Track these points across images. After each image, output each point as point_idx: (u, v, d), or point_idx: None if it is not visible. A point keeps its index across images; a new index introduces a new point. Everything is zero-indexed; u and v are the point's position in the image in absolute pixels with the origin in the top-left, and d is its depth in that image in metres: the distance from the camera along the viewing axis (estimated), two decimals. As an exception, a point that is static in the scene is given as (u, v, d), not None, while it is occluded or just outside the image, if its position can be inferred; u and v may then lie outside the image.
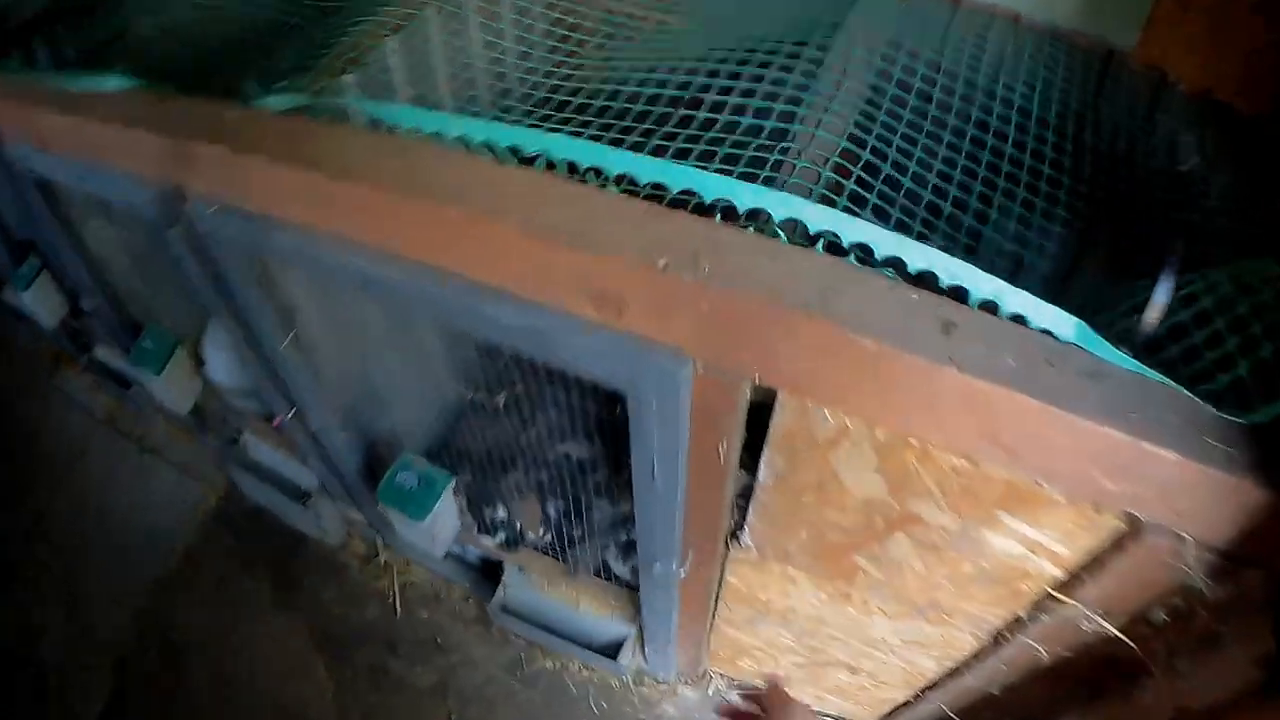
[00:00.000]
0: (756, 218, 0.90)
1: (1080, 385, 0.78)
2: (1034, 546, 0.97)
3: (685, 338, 0.87)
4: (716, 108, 1.18)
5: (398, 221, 0.98)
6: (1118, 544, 0.91)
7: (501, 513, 1.79)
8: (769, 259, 0.83)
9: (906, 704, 1.60)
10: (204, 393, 1.95)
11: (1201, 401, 0.79)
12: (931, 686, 1.45)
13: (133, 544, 2.30)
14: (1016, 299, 0.84)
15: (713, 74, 1.24)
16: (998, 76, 1.35)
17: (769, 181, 0.97)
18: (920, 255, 0.84)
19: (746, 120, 1.11)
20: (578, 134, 1.05)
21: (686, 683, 1.97)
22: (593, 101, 1.19)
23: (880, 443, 0.89)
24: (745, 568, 1.27)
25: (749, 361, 0.85)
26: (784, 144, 1.07)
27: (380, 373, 1.61)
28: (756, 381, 0.87)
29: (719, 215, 0.90)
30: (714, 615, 1.56)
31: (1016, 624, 1.14)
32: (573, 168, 0.99)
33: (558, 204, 0.91)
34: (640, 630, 1.78)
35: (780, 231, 0.87)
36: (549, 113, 1.19)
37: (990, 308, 0.84)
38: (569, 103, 1.22)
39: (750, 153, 1.03)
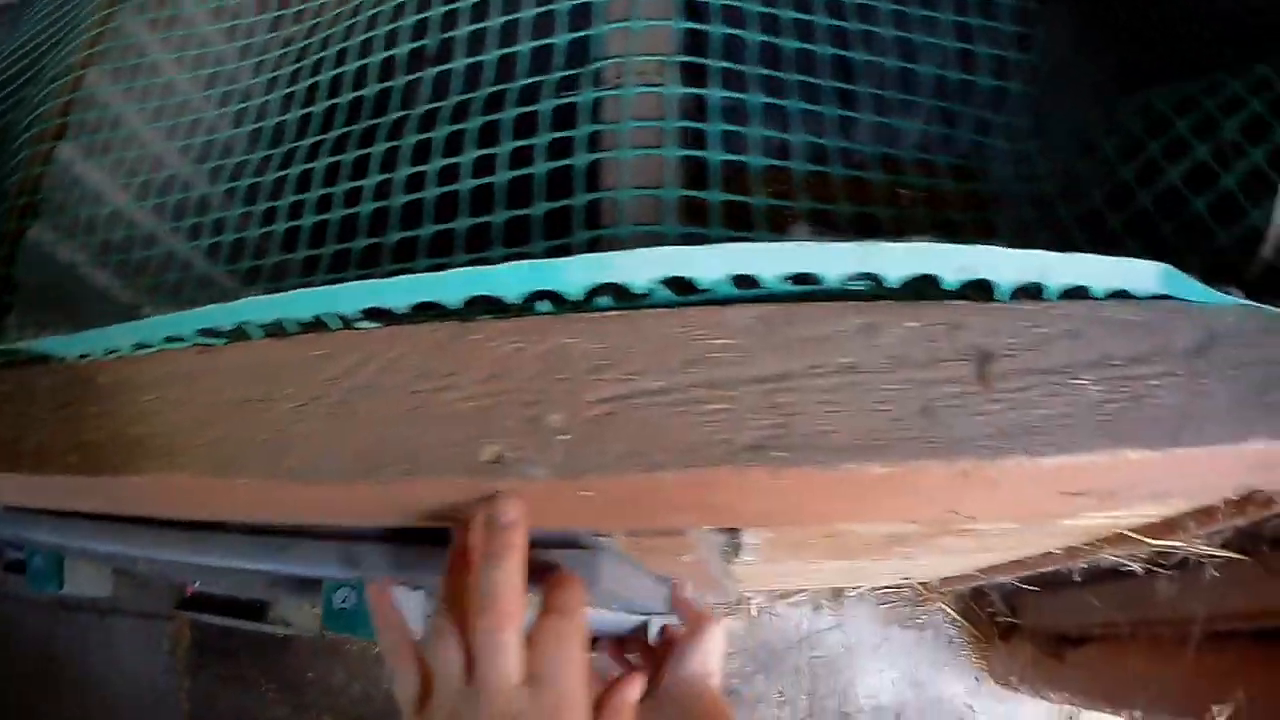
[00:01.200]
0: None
1: (1193, 379, 0.48)
2: (1120, 518, 0.70)
3: (584, 521, 0.54)
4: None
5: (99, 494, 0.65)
6: (1237, 506, 0.64)
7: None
8: (658, 365, 0.47)
9: (967, 576, 1.41)
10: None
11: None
12: (994, 569, 1.24)
13: (144, 714, 2.10)
14: (1068, 267, 0.50)
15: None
16: None
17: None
18: (905, 259, 0.49)
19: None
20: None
21: (728, 614, 1.78)
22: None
23: (909, 515, 0.59)
24: (753, 565, 1.01)
25: (685, 522, 0.54)
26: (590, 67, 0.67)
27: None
28: (705, 530, 0.55)
29: (545, 301, 0.51)
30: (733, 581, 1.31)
31: (1095, 547, 0.89)
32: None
33: (296, 411, 0.54)
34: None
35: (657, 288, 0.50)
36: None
37: (1030, 291, 0.51)
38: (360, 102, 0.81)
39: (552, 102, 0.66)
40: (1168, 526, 0.73)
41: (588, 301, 0.51)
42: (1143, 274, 0.50)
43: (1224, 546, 0.79)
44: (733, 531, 0.71)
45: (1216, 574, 0.81)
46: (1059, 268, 0.49)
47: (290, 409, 0.53)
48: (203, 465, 0.54)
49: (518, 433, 0.47)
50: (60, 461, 0.59)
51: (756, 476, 0.44)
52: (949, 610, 1.71)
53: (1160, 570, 0.91)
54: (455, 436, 0.48)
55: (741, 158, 0.64)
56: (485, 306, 0.52)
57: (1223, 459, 0.48)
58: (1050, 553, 1.00)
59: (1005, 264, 0.48)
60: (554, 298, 0.51)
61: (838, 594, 1.75)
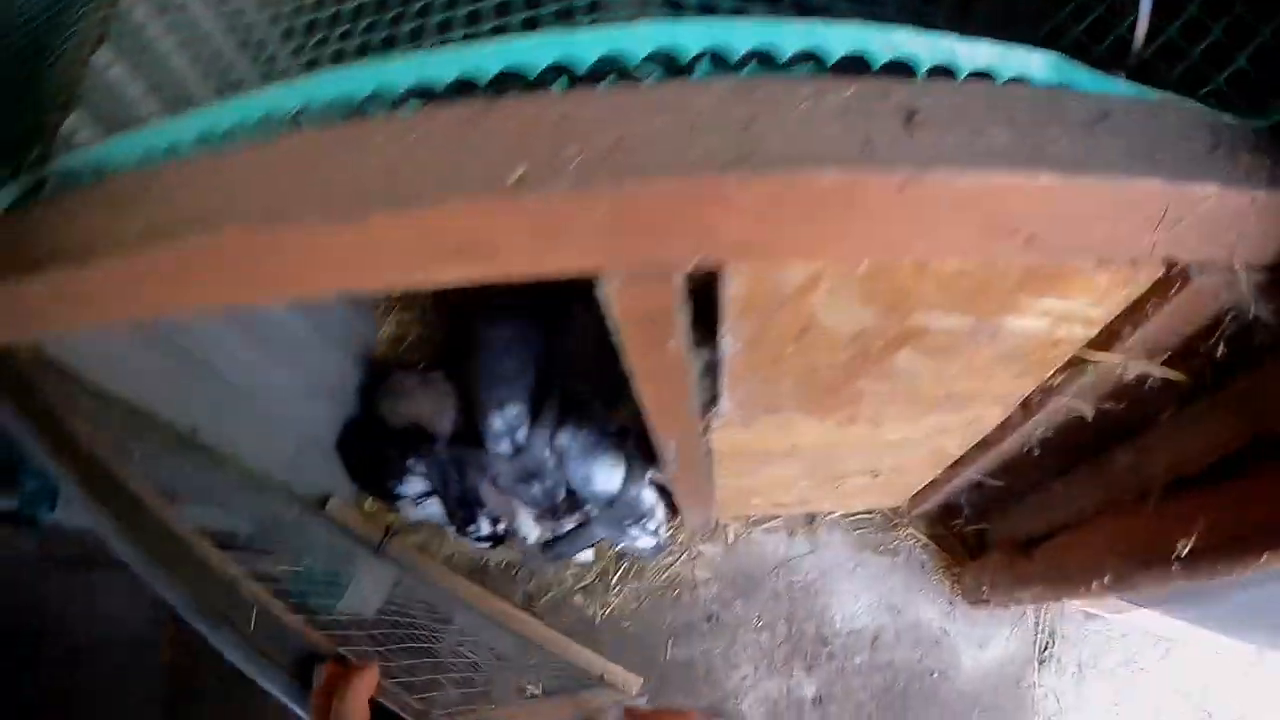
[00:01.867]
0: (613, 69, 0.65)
1: (1090, 138, 0.61)
2: (1062, 318, 0.82)
3: (583, 258, 0.65)
4: None
5: (170, 278, 0.72)
6: (1160, 291, 0.77)
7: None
8: (654, 116, 0.59)
9: (934, 483, 1.52)
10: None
11: (1222, 115, 0.65)
12: (960, 462, 1.36)
13: (129, 670, 2.14)
14: (972, 51, 0.64)
15: None
16: None
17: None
18: (842, 37, 0.63)
19: None
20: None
21: (704, 541, 1.89)
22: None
23: (863, 274, 0.71)
24: (732, 431, 1.12)
25: (678, 250, 0.65)
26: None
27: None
28: (693, 269, 0.67)
29: (565, 82, 0.65)
30: (712, 480, 1.43)
31: (1049, 390, 1.02)
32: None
33: (344, 162, 0.64)
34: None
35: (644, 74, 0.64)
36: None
37: (944, 72, 0.64)
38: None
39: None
40: (1108, 337, 0.86)
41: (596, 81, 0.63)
42: (1036, 61, 0.65)
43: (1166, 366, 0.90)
44: (711, 352, 0.85)
45: (1153, 392, 0.92)
46: (964, 50, 0.64)
47: (342, 172, 0.63)
48: (254, 219, 0.63)
49: (539, 162, 0.58)
50: (122, 246, 0.68)
51: (733, 183, 0.57)
52: (919, 535, 1.83)
53: (1112, 413, 1.02)
54: (485, 166, 0.59)
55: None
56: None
57: (1126, 197, 0.61)
58: (1008, 421, 1.12)
59: (922, 45, 0.62)
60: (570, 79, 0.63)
61: (811, 521, 1.86)
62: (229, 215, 0.65)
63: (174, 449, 1.35)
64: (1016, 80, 0.65)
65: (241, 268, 0.70)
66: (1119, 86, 0.66)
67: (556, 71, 0.65)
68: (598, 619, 1.86)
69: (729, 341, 0.82)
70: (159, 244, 0.67)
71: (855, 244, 0.64)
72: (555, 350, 1.74)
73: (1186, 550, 0.95)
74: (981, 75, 0.64)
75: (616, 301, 0.70)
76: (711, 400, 1.01)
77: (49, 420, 1.02)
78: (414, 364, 1.97)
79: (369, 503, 1.92)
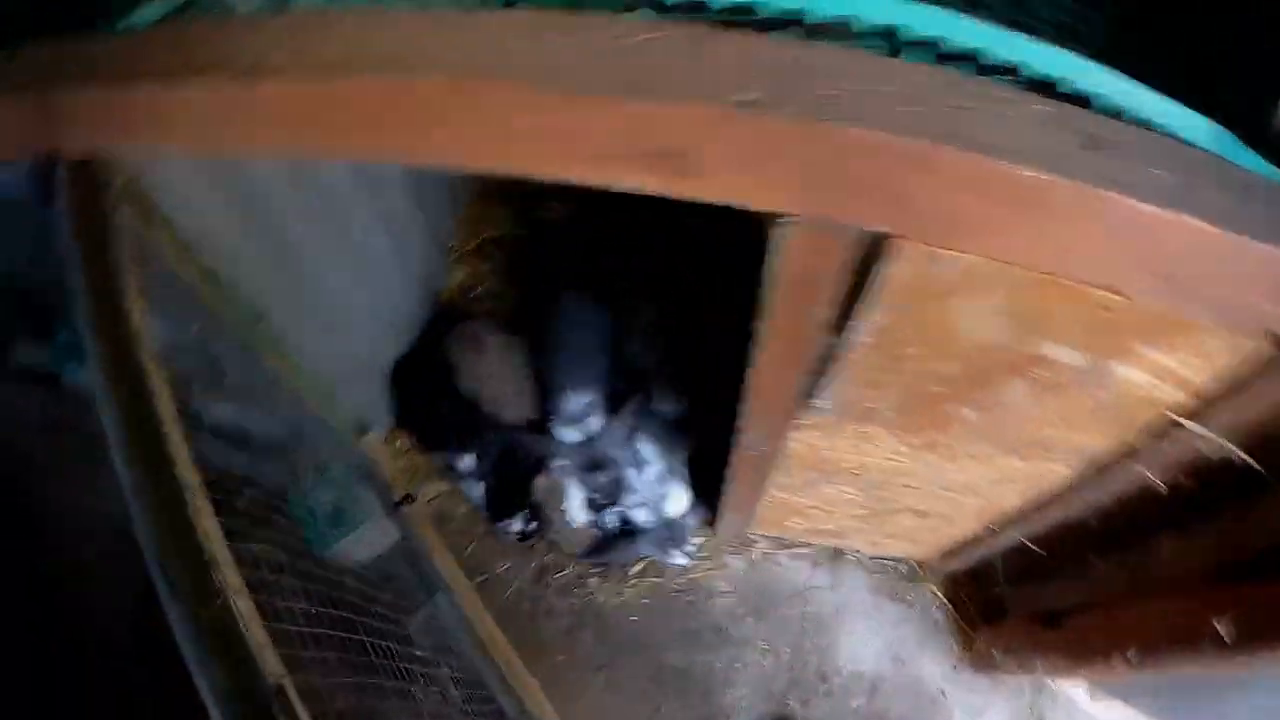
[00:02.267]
0: (833, 31, 0.76)
1: (1235, 201, 0.70)
2: (1164, 374, 0.90)
3: (781, 193, 0.73)
4: None
5: (348, 114, 0.76)
6: (1262, 367, 0.85)
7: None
8: (879, 81, 0.69)
9: (975, 539, 1.59)
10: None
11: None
12: (1010, 521, 1.43)
13: (105, 569, 2.15)
14: (1147, 101, 0.75)
15: None
16: None
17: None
18: (1042, 57, 0.74)
19: None
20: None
21: (732, 552, 1.97)
22: None
23: (1016, 283, 0.79)
24: (813, 432, 1.21)
25: (867, 210, 0.73)
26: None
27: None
28: (878, 231, 0.75)
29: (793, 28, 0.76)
30: (767, 485, 1.51)
31: (1127, 453, 1.09)
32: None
33: (565, 45, 0.71)
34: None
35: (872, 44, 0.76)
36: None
37: (1113, 112, 0.74)
38: None
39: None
40: (1198, 409, 0.93)
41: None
42: (1201, 126, 0.75)
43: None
44: (833, 341, 0.93)
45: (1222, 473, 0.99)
46: (1146, 97, 0.75)
47: (560, 51, 0.70)
48: (458, 71, 0.69)
49: (764, 88, 0.66)
50: (305, 69, 0.73)
51: (942, 153, 0.65)
52: (938, 593, 1.90)
53: (1175, 490, 1.10)
54: (712, 80, 0.67)
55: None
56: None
57: (1254, 258, 0.69)
58: (1073, 483, 1.20)
59: (1111, 82, 0.72)
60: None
61: (837, 556, 1.94)
62: (432, 64, 0.71)
63: (238, 329, 1.37)
64: (1178, 135, 0.75)
65: (431, 116, 0.74)
66: (1264, 166, 0.76)
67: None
68: (608, 607, 1.92)
69: (859, 331, 0.90)
70: (347, 73, 0.72)
71: (1032, 243, 0.72)
72: (622, 345, 1.83)
73: (1230, 636, 1.02)
74: (1147, 123, 0.74)
75: (787, 251, 0.79)
76: (811, 394, 1.09)
77: (107, 271, 0.99)
78: (483, 314, 2.03)
79: (400, 440, 1.98)
